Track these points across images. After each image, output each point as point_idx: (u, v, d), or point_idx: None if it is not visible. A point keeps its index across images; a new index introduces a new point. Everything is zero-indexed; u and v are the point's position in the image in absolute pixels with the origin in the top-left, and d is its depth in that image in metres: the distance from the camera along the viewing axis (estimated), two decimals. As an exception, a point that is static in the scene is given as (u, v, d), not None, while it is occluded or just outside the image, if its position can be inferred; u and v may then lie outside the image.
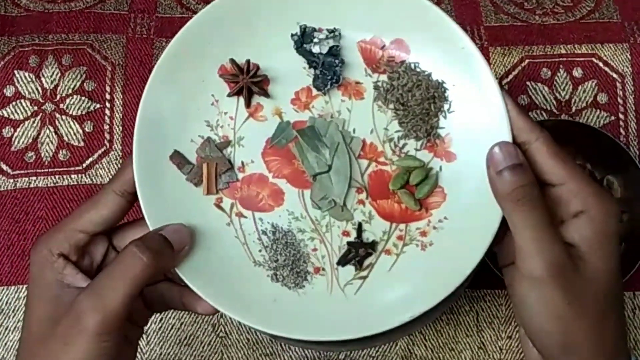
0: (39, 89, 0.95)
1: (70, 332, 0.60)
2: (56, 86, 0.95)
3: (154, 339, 0.90)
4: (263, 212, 0.68)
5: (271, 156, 0.69)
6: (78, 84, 0.96)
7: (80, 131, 0.94)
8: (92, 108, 0.95)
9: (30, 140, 0.94)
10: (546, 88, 0.98)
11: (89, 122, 0.95)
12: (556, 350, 0.61)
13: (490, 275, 0.86)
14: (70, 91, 0.95)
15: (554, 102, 0.98)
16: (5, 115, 0.94)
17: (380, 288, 0.67)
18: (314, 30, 0.68)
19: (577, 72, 0.98)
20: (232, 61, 0.68)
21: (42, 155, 0.93)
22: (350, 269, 0.68)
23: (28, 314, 0.64)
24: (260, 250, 0.68)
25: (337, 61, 0.67)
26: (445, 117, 0.68)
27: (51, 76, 0.96)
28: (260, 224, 0.68)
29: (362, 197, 0.68)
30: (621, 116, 0.97)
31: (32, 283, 0.65)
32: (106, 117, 0.95)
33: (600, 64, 0.98)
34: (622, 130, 0.96)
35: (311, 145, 0.68)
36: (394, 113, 0.69)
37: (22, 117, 0.94)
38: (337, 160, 0.68)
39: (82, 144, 0.94)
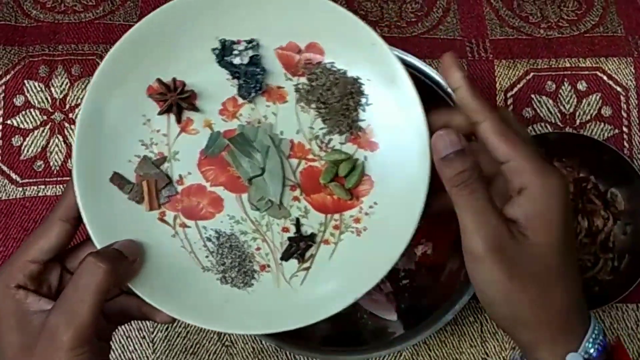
0: (49, 98, 0.96)
1: (47, 352, 0.61)
2: (65, 96, 0.96)
3: (160, 347, 0.91)
4: (205, 220, 0.71)
5: (206, 166, 0.71)
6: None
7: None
8: (100, 118, 0.96)
9: (39, 149, 0.95)
10: (551, 101, 0.99)
11: (97, 131, 0.95)
12: (507, 322, 0.63)
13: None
14: (79, 101, 0.96)
15: (559, 115, 0.98)
16: (15, 124, 0.95)
17: (324, 276, 0.70)
18: (233, 43, 0.71)
19: (582, 86, 0.99)
20: (159, 81, 0.70)
21: (51, 164, 0.94)
22: (293, 262, 0.70)
23: (3, 345, 0.65)
24: (207, 256, 0.70)
25: (258, 70, 0.70)
26: (364, 110, 0.71)
27: (60, 86, 0.97)
28: (204, 231, 0.71)
29: (296, 194, 0.71)
30: (625, 129, 0.98)
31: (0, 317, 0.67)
32: (114, 127, 0.96)
33: (605, 78, 0.99)
34: (625, 143, 0.97)
35: (243, 152, 0.70)
36: (317, 112, 0.71)
37: (31, 127, 0.95)
38: (269, 163, 0.70)
39: (90, 153, 0.94)
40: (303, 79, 0.71)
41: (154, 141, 0.71)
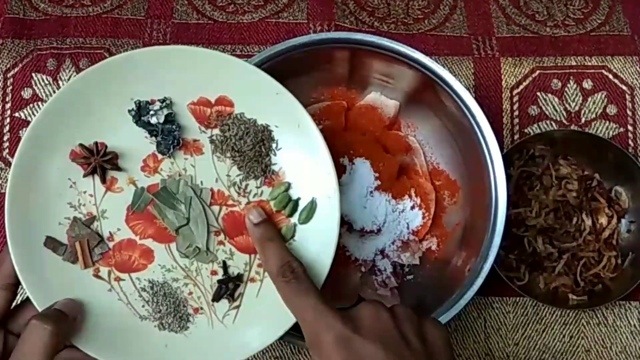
0: (56, 91, 0.96)
1: None
2: (73, 89, 0.97)
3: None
4: (138, 272, 0.75)
5: (134, 221, 0.75)
6: (95, 88, 0.97)
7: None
8: (108, 111, 0.96)
9: (46, 142, 0.95)
10: (556, 99, 0.99)
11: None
12: None
13: (498, 283, 0.87)
14: (86, 94, 0.97)
15: (564, 113, 0.99)
16: (23, 117, 0.96)
17: (254, 312, 0.75)
18: (148, 103, 0.75)
19: (587, 84, 1.00)
20: (81, 146, 0.73)
21: (58, 157, 0.95)
22: (224, 302, 0.75)
23: None
24: (143, 306, 0.74)
25: (174, 126, 0.75)
26: (275, 155, 0.76)
27: (68, 79, 0.97)
28: (138, 282, 0.75)
29: (221, 239, 0.76)
30: (630, 128, 0.98)
31: None
32: (122, 121, 0.96)
33: (610, 76, 0.99)
34: (630, 142, 0.97)
35: (167, 204, 0.75)
36: (232, 160, 0.76)
37: (39, 119, 0.96)
38: (193, 212, 0.75)
39: (97, 146, 0.95)
40: (216, 131, 0.76)
41: (82, 202, 0.74)
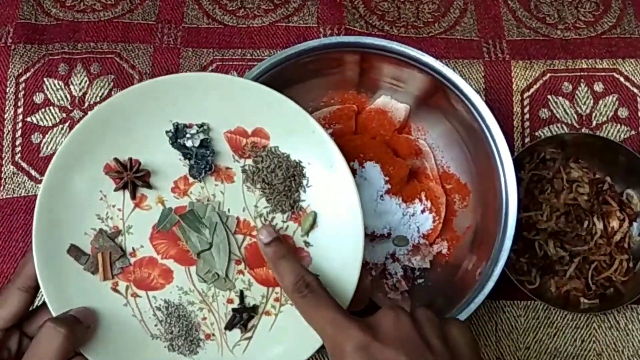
0: (68, 96, 0.97)
1: None
2: (84, 94, 0.97)
3: None
4: (155, 291, 0.75)
5: (158, 240, 0.75)
6: (106, 92, 0.98)
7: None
8: (119, 116, 0.97)
9: (58, 147, 0.95)
10: (567, 102, 0.99)
11: (116, 129, 0.96)
12: None
13: (510, 286, 0.87)
14: (98, 99, 0.97)
15: (575, 116, 0.98)
16: (35, 121, 0.96)
17: (264, 345, 0.75)
18: (185, 126, 0.75)
19: (598, 87, 0.99)
20: (116, 160, 0.74)
21: (70, 161, 0.95)
22: (236, 331, 0.75)
23: None
24: (156, 325, 0.75)
25: (208, 152, 0.75)
26: (305, 191, 0.77)
27: (80, 84, 0.98)
28: (154, 301, 0.75)
29: (241, 268, 0.76)
30: (641, 131, 0.98)
31: None
32: (133, 125, 0.97)
33: (621, 79, 0.99)
34: (642, 145, 0.97)
35: (193, 227, 0.75)
36: (261, 192, 0.76)
37: (50, 124, 0.96)
38: (217, 238, 0.75)
39: (109, 150, 0.95)
40: (249, 161, 0.76)
41: (110, 215, 0.75)
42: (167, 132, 0.75)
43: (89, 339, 0.71)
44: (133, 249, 0.75)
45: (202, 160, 0.75)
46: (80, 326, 0.68)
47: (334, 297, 0.68)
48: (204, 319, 0.75)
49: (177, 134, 0.75)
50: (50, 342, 0.64)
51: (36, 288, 0.70)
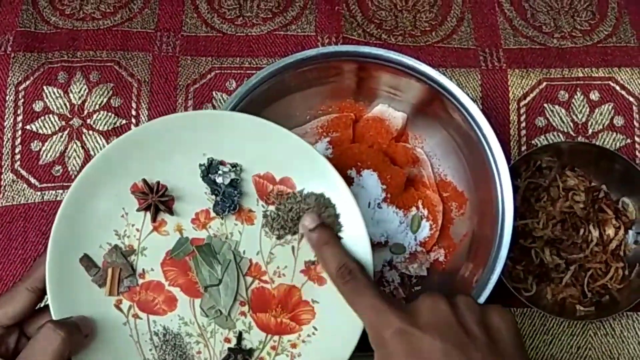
0: (67, 104, 0.98)
1: None
2: (84, 102, 0.98)
3: None
4: (157, 315, 0.75)
5: (169, 266, 0.75)
6: (105, 100, 0.98)
7: (107, 146, 0.96)
8: (118, 124, 0.97)
9: (57, 154, 0.96)
10: (563, 110, 1.00)
11: (115, 137, 0.96)
12: None
13: (506, 294, 0.87)
14: (97, 107, 0.98)
15: (571, 125, 0.99)
16: (34, 129, 0.97)
17: None
18: (220, 163, 0.75)
19: (594, 95, 1.00)
20: (144, 181, 0.74)
21: (69, 168, 0.96)
22: None
23: None
24: (150, 349, 0.74)
25: (236, 192, 0.75)
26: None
27: (79, 92, 0.98)
28: (154, 325, 0.75)
29: (244, 310, 0.76)
30: (637, 139, 0.98)
31: None
32: (132, 133, 0.97)
33: (617, 88, 1.00)
34: (637, 153, 0.98)
35: (206, 261, 0.75)
36: (278, 239, 0.76)
37: (50, 132, 0.97)
38: (227, 276, 0.75)
39: (108, 158, 0.96)
40: (272, 207, 0.76)
41: (127, 234, 0.75)
42: (200, 165, 0.75)
43: (83, 350, 0.71)
44: (143, 270, 0.75)
45: (228, 199, 0.75)
46: (79, 334, 0.69)
47: (332, 353, 0.71)
48: (199, 352, 0.75)
49: (209, 169, 0.75)
50: (48, 342, 0.65)
51: (43, 290, 0.71)
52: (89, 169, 0.73)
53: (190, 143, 0.75)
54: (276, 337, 0.75)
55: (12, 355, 0.70)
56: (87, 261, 0.73)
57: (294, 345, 0.75)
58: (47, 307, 0.72)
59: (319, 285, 0.75)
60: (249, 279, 0.75)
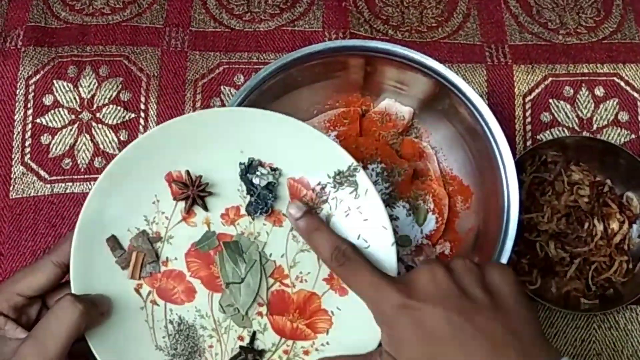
0: (77, 98, 0.99)
1: None
2: (93, 96, 0.99)
3: None
4: (174, 304, 0.75)
5: (193, 258, 0.76)
6: (114, 94, 0.99)
7: (116, 139, 0.97)
8: (127, 117, 0.98)
9: (67, 148, 0.97)
10: (568, 106, 1.00)
11: (124, 130, 0.98)
12: None
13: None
14: (106, 101, 0.99)
15: (576, 120, 1.00)
16: (44, 123, 0.98)
17: None
18: (260, 164, 0.75)
19: (599, 91, 1.01)
20: (187, 172, 0.75)
21: (79, 162, 0.97)
22: None
23: None
24: (163, 337, 0.75)
25: (271, 195, 0.75)
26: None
27: (88, 86, 0.99)
28: (170, 314, 0.75)
29: (261, 310, 0.75)
30: (642, 134, 0.99)
31: None
32: (140, 127, 0.98)
33: (622, 84, 1.00)
34: (642, 148, 0.98)
35: (232, 258, 0.75)
36: (304, 244, 0.75)
37: (60, 125, 0.98)
38: (250, 276, 0.75)
39: (117, 152, 0.97)
40: None
41: (156, 221, 0.75)
42: (240, 163, 0.75)
43: (97, 327, 0.71)
44: (167, 258, 0.75)
45: (262, 201, 0.75)
46: (96, 310, 0.69)
47: None
48: (211, 346, 0.75)
49: (248, 169, 0.75)
50: (66, 314, 0.66)
51: (68, 266, 0.72)
52: (129, 150, 0.73)
53: (229, 139, 0.75)
54: (290, 342, 0.75)
55: (32, 326, 0.70)
56: (114, 242, 0.73)
57: (306, 352, 0.75)
58: (68, 283, 0.72)
59: (340, 295, 0.74)
60: (271, 281, 0.75)
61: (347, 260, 0.68)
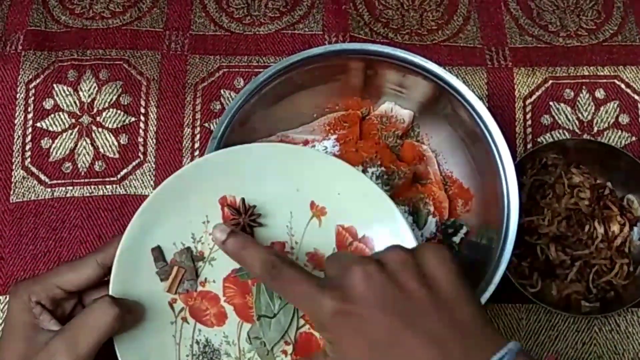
0: (77, 102, 0.99)
1: None
2: (93, 100, 0.99)
3: None
4: (204, 326, 0.75)
5: (231, 284, 0.75)
6: (114, 98, 0.99)
7: (116, 143, 0.97)
8: (127, 121, 0.98)
9: (67, 152, 0.97)
10: (569, 108, 1.00)
11: (124, 134, 0.98)
12: None
13: (511, 290, 0.88)
14: (106, 105, 0.99)
15: (577, 122, 1.00)
16: (44, 127, 0.98)
17: None
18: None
19: (600, 94, 1.01)
20: (243, 201, 0.75)
21: (79, 165, 0.97)
22: None
23: (3, 351, 0.72)
24: (187, 355, 0.74)
25: None
26: None
27: (89, 90, 0.99)
28: (198, 334, 0.75)
29: (287, 349, 0.74)
30: (642, 137, 0.99)
31: (8, 322, 0.73)
32: (141, 130, 0.98)
33: (623, 86, 1.00)
34: (643, 151, 0.98)
35: (268, 292, 0.74)
36: None
37: (60, 129, 0.98)
38: (282, 313, 0.74)
39: (117, 155, 0.97)
40: None
41: (202, 240, 0.75)
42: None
43: (126, 333, 0.72)
44: (206, 279, 0.75)
45: None
46: (129, 315, 0.70)
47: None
48: None
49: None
50: (102, 314, 0.67)
51: (111, 268, 0.72)
52: (190, 168, 0.74)
53: (289, 175, 0.75)
54: None
55: (66, 320, 0.71)
56: (158, 253, 0.74)
57: None
58: (106, 284, 0.73)
59: None
60: (302, 322, 0.75)
61: (278, 272, 0.66)
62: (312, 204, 0.76)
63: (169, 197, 0.74)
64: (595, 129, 0.99)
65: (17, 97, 0.98)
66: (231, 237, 0.69)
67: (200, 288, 0.75)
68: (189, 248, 0.75)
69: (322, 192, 0.76)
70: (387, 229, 0.75)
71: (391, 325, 0.60)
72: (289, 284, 0.66)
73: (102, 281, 0.74)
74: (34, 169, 0.96)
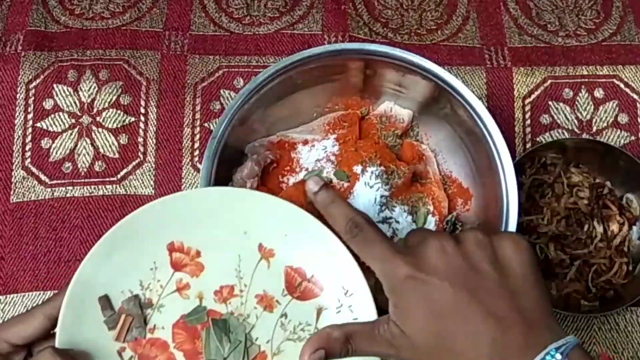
0: (77, 102, 0.99)
1: None
2: (93, 100, 0.99)
3: None
4: None
5: (180, 329, 0.75)
6: (114, 98, 0.99)
7: (116, 143, 0.98)
8: (127, 121, 0.99)
9: (67, 152, 0.97)
10: (568, 108, 1.00)
11: (124, 134, 0.98)
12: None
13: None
14: (106, 105, 0.99)
15: (576, 122, 1.00)
16: (44, 127, 0.98)
17: None
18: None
19: (599, 93, 1.01)
20: (181, 245, 0.76)
21: (79, 166, 0.97)
22: None
23: None
24: None
25: None
26: None
27: (88, 90, 0.99)
28: None
29: None
30: (641, 136, 0.99)
31: None
32: (140, 130, 0.98)
33: (621, 85, 1.01)
34: (642, 150, 0.98)
35: (218, 336, 0.74)
36: (293, 334, 0.75)
37: (60, 129, 0.98)
38: (232, 357, 0.74)
39: (117, 155, 0.97)
40: (296, 301, 0.76)
41: (151, 287, 0.75)
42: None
43: None
44: (154, 326, 0.75)
45: None
46: None
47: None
48: None
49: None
50: None
51: (57, 319, 0.73)
52: (137, 214, 0.74)
53: (235, 219, 0.75)
54: None
55: None
56: (106, 302, 0.74)
57: None
58: (54, 334, 0.73)
59: None
60: None
61: (360, 231, 0.69)
62: (260, 247, 0.76)
63: (114, 246, 0.74)
64: (595, 128, 1.00)
65: (17, 97, 0.99)
66: (323, 189, 0.72)
67: (149, 335, 0.75)
68: (137, 295, 0.75)
69: (269, 234, 0.76)
70: (335, 267, 0.75)
71: (457, 298, 0.62)
72: (368, 244, 0.68)
73: (53, 332, 0.74)
74: (34, 169, 0.96)
